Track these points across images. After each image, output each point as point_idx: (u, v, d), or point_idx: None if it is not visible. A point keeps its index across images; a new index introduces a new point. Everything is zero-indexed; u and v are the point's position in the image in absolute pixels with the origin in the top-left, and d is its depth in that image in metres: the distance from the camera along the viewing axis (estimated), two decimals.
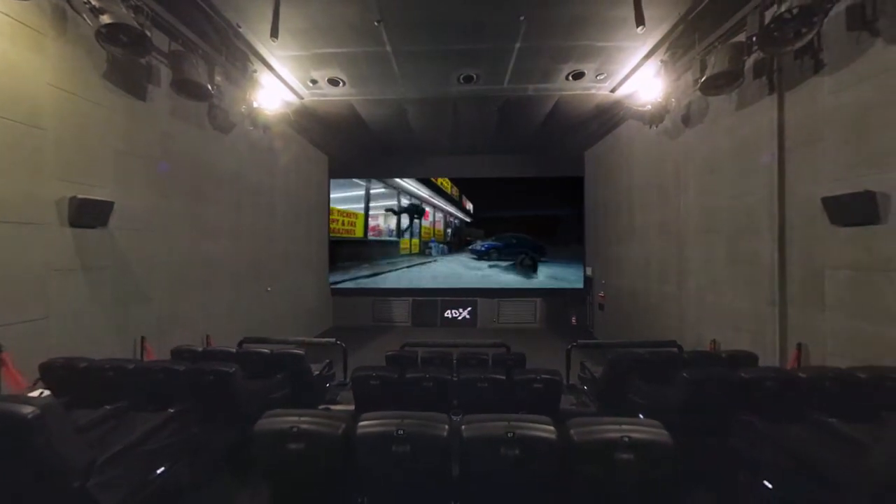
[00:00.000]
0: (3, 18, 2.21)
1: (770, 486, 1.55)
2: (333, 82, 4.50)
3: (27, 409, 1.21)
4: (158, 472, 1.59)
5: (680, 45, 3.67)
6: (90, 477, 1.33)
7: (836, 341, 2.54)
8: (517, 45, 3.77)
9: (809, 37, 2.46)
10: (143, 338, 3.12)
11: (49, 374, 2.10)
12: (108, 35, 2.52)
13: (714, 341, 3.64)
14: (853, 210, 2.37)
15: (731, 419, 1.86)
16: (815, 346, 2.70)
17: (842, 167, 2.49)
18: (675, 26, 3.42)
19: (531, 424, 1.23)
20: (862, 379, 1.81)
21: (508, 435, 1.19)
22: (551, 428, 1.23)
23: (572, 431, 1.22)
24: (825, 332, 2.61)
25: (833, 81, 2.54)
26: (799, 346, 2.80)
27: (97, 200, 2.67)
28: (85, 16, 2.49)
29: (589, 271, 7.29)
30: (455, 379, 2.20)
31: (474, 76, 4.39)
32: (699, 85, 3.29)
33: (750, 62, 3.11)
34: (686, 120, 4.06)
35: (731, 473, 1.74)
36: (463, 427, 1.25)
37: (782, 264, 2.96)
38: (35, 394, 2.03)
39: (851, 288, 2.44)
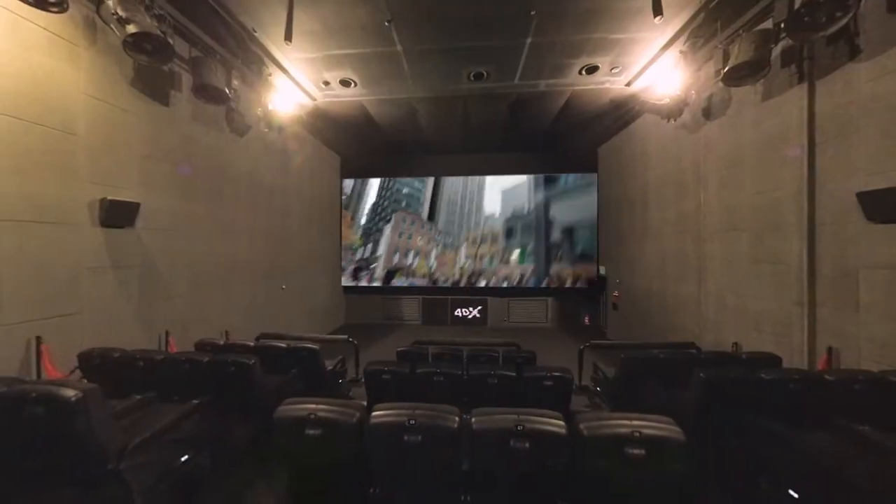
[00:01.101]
0: (41, 32, 2.36)
1: (795, 495, 1.48)
2: (345, 83, 4.57)
3: (71, 393, 1.30)
4: (183, 459, 1.68)
5: (700, 34, 3.51)
6: (123, 460, 1.42)
7: (872, 346, 2.38)
8: (528, 41, 3.71)
9: (844, 21, 2.30)
10: (167, 332, 3.28)
11: (86, 362, 2.24)
12: (134, 44, 2.65)
13: (736, 344, 3.49)
14: (892, 206, 2.22)
15: (751, 423, 1.78)
16: (848, 351, 2.55)
17: (879, 160, 2.33)
18: (695, 15, 3.27)
19: (541, 418, 1.23)
20: (894, 383, 1.70)
21: (518, 428, 1.19)
22: (561, 422, 1.22)
23: (582, 426, 1.21)
24: (859, 336, 2.46)
25: (871, 68, 2.37)
26: (829, 349, 2.65)
27: (125, 202, 2.82)
28: (113, 26, 2.62)
29: (602, 270, 7.13)
30: (465, 376, 2.21)
31: (485, 73, 4.35)
32: (721, 76, 3.15)
33: (777, 50, 2.94)
34: (707, 113, 3.89)
35: (751, 480, 1.68)
36: (473, 419, 1.26)
37: (811, 263, 2.80)
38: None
39: (888, 289, 2.29)
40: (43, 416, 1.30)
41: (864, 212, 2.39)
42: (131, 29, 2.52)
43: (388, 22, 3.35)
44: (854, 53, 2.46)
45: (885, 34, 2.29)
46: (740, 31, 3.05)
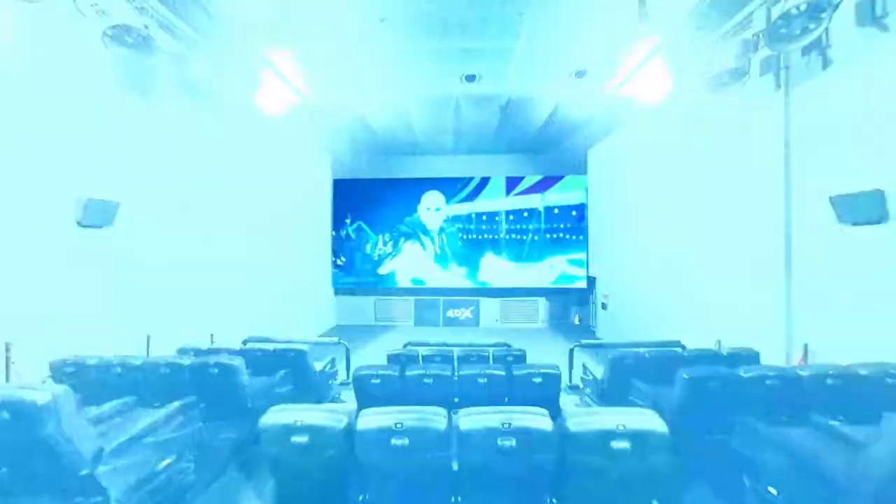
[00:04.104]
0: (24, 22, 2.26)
1: (775, 492, 1.53)
2: (337, 83, 4.52)
3: (40, 396, 1.25)
4: (164, 463, 1.63)
5: (685, 41, 3.62)
6: (98, 465, 1.37)
7: (845, 342, 2.50)
8: (519, 44, 3.75)
9: (817, 33, 2.41)
10: (148, 337, 3.17)
11: (59, 371, 2.14)
12: (115, 36, 2.56)
13: (719, 342, 3.60)
14: (862, 209, 2.34)
15: (732, 420, 1.84)
16: (822, 348, 2.66)
17: (850, 165, 2.45)
18: (680, 23, 3.38)
19: (528, 415, 1.24)
20: (863, 376, 1.79)
21: (504, 426, 1.20)
22: (547, 418, 1.24)
23: (568, 422, 1.23)
24: (833, 333, 2.57)
25: (842, 78, 2.50)
26: (805, 346, 2.76)
27: (105, 200, 2.72)
28: (92, 17, 2.53)
29: (592, 270, 7.25)
30: (455, 376, 2.21)
31: (477, 75, 4.38)
32: (704, 82, 3.26)
33: (756, 59, 3.06)
34: (691, 118, 4.01)
35: (733, 476, 1.73)
36: (460, 419, 1.26)
37: (788, 263, 2.92)
38: None
39: (860, 288, 2.40)
40: (10, 422, 1.24)
41: (837, 214, 2.51)
42: (111, 20, 2.43)
43: (381, 21, 3.34)
44: (826, 64, 2.58)
45: (853, 47, 2.41)
46: (722, 40, 3.16)
